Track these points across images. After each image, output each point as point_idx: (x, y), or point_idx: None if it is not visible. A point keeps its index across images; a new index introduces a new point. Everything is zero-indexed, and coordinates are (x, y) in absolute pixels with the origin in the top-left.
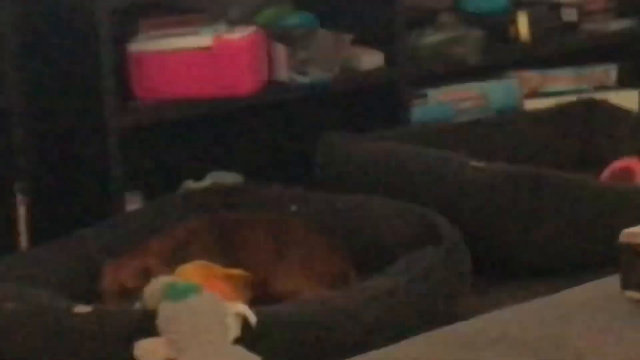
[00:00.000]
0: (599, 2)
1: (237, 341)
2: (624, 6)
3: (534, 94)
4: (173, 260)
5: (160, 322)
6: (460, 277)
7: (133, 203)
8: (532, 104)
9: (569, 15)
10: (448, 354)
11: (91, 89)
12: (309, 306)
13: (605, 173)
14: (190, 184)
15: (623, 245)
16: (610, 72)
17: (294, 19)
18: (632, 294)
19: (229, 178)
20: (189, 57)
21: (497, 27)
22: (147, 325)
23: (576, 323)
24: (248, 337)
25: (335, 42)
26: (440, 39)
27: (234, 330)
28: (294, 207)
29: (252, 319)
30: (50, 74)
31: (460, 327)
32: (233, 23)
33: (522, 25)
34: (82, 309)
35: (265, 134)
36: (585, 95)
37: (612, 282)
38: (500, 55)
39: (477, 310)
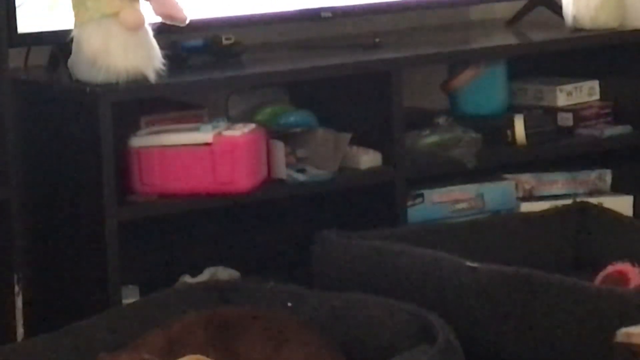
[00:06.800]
0: (594, 108)
1: None
2: (618, 113)
3: (529, 196)
4: (168, 354)
5: None
6: None
7: (130, 296)
8: (527, 207)
9: (565, 120)
10: None
11: (91, 182)
12: None
13: (599, 277)
14: (187, 279)
15: (619, 345)
16: (604, 177)
17: (293, 117)
18: None
19: (226, 274)
20: (188, 153)
21: (494, 130)
22: None
23: None
24: None
25: (334, 141)
26: (437, 140)
27: None
28: (289, 304)
29: None
30: (50, 166)
31: None
32: (233, 120)
33: (518, 128)
34: None
35: (263, 231)
36: (579, 199)
37: None
38: (496, 158)
39: None
